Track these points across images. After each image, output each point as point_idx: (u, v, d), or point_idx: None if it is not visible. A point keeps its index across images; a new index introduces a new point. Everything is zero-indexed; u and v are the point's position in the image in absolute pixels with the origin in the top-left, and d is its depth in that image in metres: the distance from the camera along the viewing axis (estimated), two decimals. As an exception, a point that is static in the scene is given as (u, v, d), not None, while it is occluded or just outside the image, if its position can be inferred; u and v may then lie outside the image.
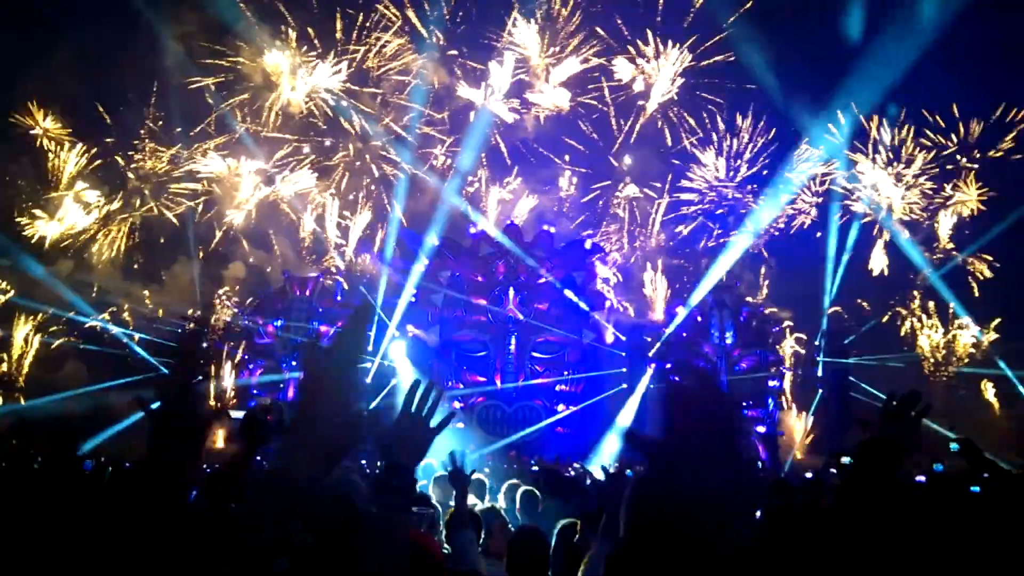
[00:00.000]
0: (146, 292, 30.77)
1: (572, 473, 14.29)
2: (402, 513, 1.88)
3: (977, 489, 3.83)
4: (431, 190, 33.54)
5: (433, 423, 2.01)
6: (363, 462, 17.72)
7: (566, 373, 28.49)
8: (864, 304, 32.52)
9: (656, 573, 1.55)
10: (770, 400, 28.38)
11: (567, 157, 34.80)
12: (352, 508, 2.43)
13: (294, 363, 28.00)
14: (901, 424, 2.04)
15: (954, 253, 31.98)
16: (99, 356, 28.57)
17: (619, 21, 33.18)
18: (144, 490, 1.50)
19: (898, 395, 2.10)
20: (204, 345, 29.30)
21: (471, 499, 4.86)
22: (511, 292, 28.24)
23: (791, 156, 32.39)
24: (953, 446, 3.78)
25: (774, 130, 33.49)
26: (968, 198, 31.65)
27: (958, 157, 31.77)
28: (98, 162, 31.05)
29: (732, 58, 32.28)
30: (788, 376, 30.85)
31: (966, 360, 31.39)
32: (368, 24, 33.06)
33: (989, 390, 30.75)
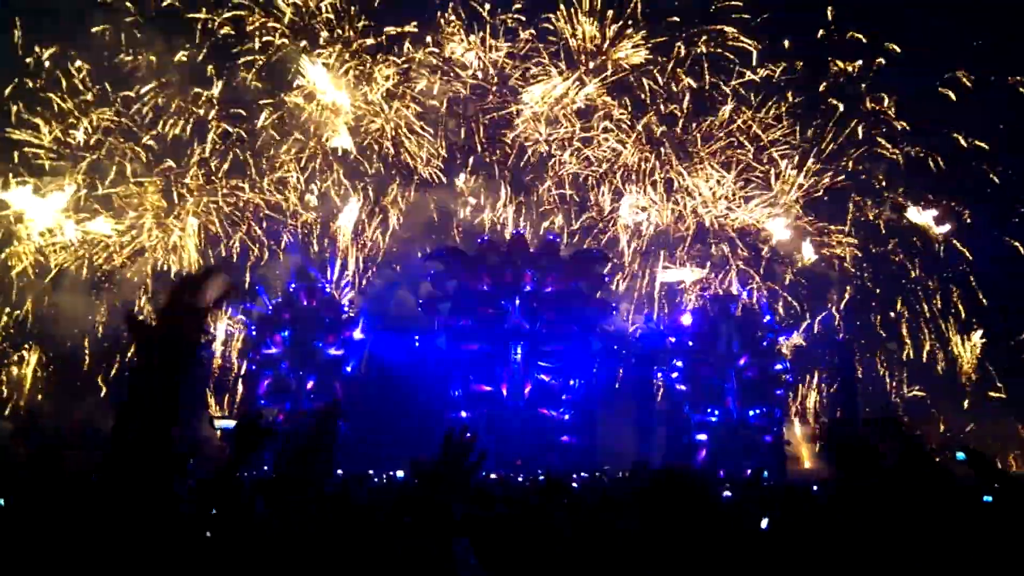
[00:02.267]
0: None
1: (577, 484, 14.24)
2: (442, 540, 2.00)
3: (990, 499, 3.79)
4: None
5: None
6: (370, 472, 17.74)
7: (572, 382, 28.42)
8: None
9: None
10: (776, 410, 28.27)
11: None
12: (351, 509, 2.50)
13: (301, 372, 28.03)
14: (890, 441, 2.09)
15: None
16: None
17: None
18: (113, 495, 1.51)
19: (875, 421, 2.17)
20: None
21: None
22: (517, 301, 28.22)
23: None
24: (959, 455, 3.73)
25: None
26: None
27: None
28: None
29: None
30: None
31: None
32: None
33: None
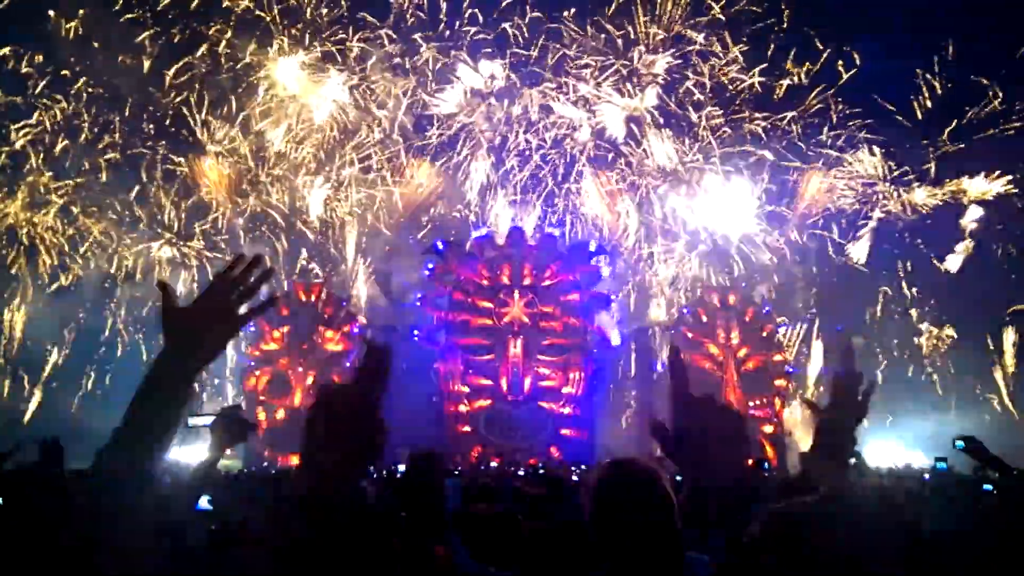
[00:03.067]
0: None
1: (577, 477, 14.25)
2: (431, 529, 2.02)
3: (989, 487, 3.79)
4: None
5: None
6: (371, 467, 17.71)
7: (572, 375, 28.43)
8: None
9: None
10: (777, 400, 28.29)
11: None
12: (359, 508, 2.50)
13: (300, 369, 28.03)
14: (848, 404, 2.16)
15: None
16: None
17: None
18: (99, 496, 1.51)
19: (843, 376, 2.23)
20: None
21: None
22: (516, 295, 28.22)
23: None
24: (958, 444, 3.72)
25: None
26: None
27: None
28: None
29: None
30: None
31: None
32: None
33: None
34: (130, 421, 1.55)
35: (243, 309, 1.68)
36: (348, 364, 28.90)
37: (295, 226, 32.49)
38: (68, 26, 29.42)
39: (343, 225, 32.70)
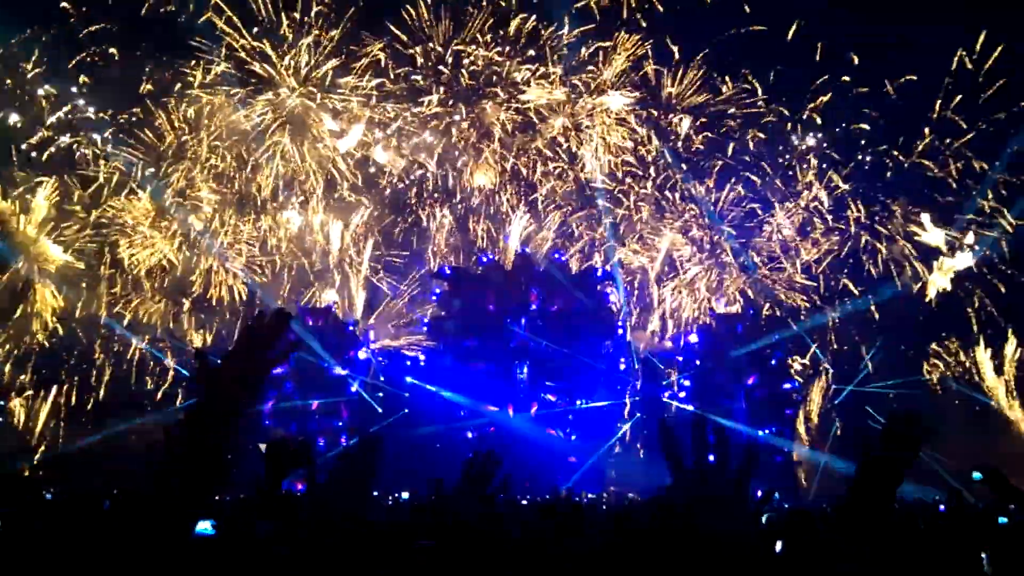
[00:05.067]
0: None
1: (584, 502, 14.13)
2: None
3: (1004, 520, 3.71)
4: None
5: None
6: (375, 493, 17.68)
7: (579, 402, 28.27)
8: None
9: None
10: (786, 429, 28.02)
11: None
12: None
13: (307, 392, 27.93)
14: (902, 445, 2.11)
15: None
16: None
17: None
18: (149, 522, 1.51)
19: (900, 416, 2.17)
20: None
21: None
22: (523, 320, 28.17)
23: None
24: (976, 475, 3.64)
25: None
26: None
27: None
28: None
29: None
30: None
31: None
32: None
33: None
34: (170, 469, 1.61)
35: (268, 358, 1.82)
36: (353, 390, 28.74)
37: (304, 252, 32.42)
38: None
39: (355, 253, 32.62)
